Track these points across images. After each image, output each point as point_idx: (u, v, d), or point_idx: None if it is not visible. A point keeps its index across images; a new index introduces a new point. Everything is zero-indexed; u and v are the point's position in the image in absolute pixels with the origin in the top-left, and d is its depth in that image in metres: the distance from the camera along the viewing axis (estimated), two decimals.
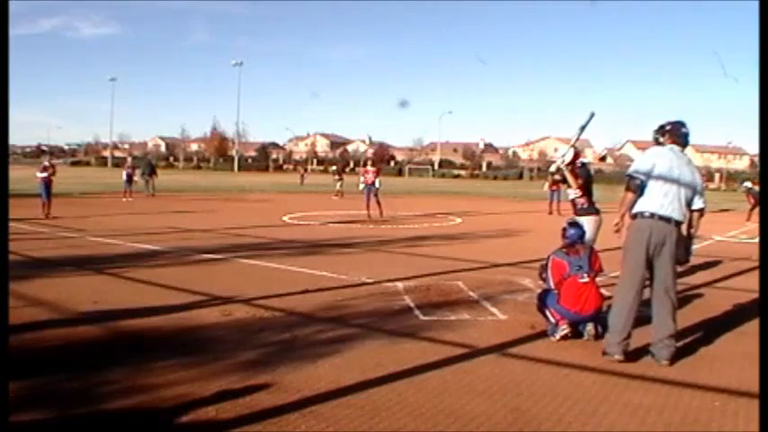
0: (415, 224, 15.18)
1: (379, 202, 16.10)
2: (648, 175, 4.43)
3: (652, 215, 4.38)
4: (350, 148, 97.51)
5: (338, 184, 25.72)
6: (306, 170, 52.15)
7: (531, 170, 68.88)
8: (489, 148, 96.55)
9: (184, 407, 3.38)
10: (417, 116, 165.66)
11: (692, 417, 3.50)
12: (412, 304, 6.05)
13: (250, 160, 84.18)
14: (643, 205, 4.43)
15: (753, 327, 5.29)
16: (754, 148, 77.11)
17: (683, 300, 6.66)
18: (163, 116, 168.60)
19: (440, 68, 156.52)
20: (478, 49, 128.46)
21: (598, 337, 4.84)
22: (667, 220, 4.37)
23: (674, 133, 4.62)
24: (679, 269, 4.75)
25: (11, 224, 9.52)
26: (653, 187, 4.42)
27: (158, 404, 3.45)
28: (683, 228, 4.54)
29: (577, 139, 5.99)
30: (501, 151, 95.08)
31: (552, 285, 5.08)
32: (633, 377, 4.14)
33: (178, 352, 4.40)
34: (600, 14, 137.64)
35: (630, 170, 4.56)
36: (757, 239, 12.22)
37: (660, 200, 4.39)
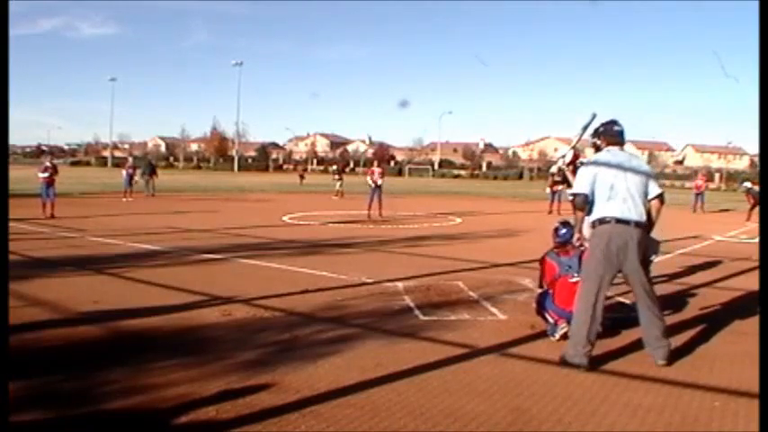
0: (415, 224, 15.18)
1: (381, 203, 16.28)
2: (593, 187, 4.42)
3: (609, 220, 4.34)
4: (350, 148, 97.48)
5: (338, 184, 25.63)
6: (305, 170, 51.93)
7: (531, 170, 68.86)
8: (489, 148, 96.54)
9: (184, 407, 3.38)
10: (417, 116, 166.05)
11: (692, 417, 3.50)
12: (412, 304, 6.05)
13: (250, 160, 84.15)
14: (599, 212, 4.40)
15: (753, 327, 5.29)
16: (754, 148, 77.16)
17: (684, 300, 6.67)
18: (163, 116, 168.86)
19: (440, 68, 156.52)
20: (478, 49, 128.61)
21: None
22: (626, 222, 4.31)
23: (608, 134, 4.63)
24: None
25: (11, 224, 9.52)
26: (603, 194, 4.39)
27: (158, 404, 3.45)
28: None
29: (579, 139, 6.02)
30: (501, 151, 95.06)
31: (545, 285, 5.16)
32: (633, 377, 4.14)
33: (178, 352, 4.40)
34: (600, 14, 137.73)
35: (573, 189, 4.59)
36: (757, 239, 12.22)
37: (614, 204, 4.36)
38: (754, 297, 6.37)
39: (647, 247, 4.48)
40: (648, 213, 4.46)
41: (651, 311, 4.41)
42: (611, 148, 4.58)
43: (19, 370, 3.71)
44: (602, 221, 4.37)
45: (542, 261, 5.25)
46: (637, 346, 4.80)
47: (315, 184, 36.65)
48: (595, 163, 4.52)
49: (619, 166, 4.43)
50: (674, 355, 4.43)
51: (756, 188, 19.33)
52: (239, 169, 71.21)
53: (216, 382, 3.77)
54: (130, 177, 21.53)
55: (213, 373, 3.94)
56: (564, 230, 5.22)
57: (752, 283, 7.45)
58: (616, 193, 4.36)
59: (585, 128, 5.37)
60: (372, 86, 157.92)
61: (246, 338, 4.80)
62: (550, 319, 5.00)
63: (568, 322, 4.83)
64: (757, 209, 18.95)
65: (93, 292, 6.28)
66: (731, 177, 61.66)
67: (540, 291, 5.35)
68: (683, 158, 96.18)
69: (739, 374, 4.19)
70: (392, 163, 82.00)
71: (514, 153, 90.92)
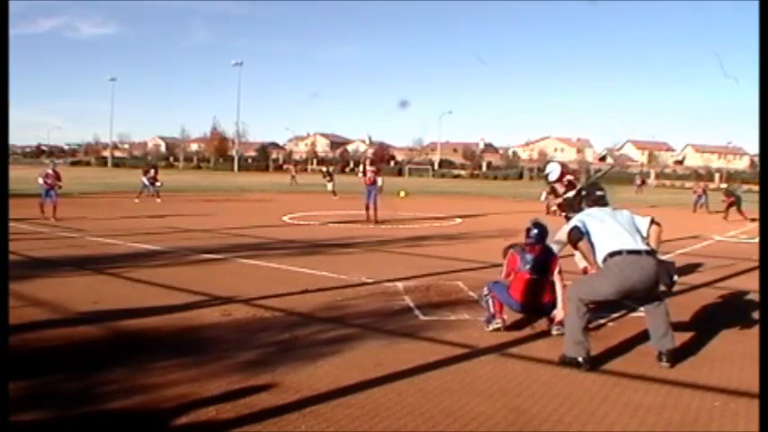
0: (415, 224, 15.18)
1: (376, 205, 15.33)
2: (587, 229, 4.50)
3: (620, 252, 4.34)
4: (350, 148, 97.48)
5: (330, 184, 25.31)
6: (296, 169, 48.06)
7: (530, 170, 68.88)
8: (489, 148, 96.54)
9: (184, 407, 3.38)
10: (417, 116, 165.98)
11: (691, 417, 3.50)
12: (412, 304, 6.05)
13: (250, 160, 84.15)
14: (606, 248, 4.40)
15: (753, 327, 5.30)
16: (754, 148, 77.17)
17: (684, 300, 6.66)
18: (163, 116, 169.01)
19: (440, 68, 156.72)
20: (478, 49, 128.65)
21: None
22: (637, 252, 4.35)
23: (591, 198, 4.90)
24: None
25: (11, 224, 9.52)
26: (602, 236, 4.45)
27: (158, 404, 3.45)
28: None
29: (588, 177, 6.32)
30: (501, 151, 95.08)
31: (503, 275, 5.39)
32: (633, 377, 4.14)
33: (178, 352, 4.40)
34: (600, 14, 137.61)
35: (567, 230, 4.72)
36: (757, 239, 12.22)
37: (618, 238, 4.40)
38: (755, 297, 6.37)
39: (665, 272, 4.49)
40: (649, 241, 4.55)
41: (660, 318, 4.44)
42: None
43: (19, 370, 3.71)
44: (612, 254, 4.35)
45: (507, 253, 5.45)
46: (637, 346, 4.81)
47: (313, 183, 36.63)
48: (585, 214, 4.71)
49: (605, 214, 4.65)
50: (676, 355, 4.42)
51: (734, 186, 19.90)
52: (239, 169, 71.22)
53: (216, 382, 3.77)
54: (152, 182, 21.08)
55: (213, 373, 3.94)
56: (535, 231, 5.34)
57: (752, 283, 7.44)
58: (615, 231, 4.45)
59: (602, 174, 5.48)
60: (372, 86, 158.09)
61: (246, 338, 4.80)
62: (491, 309, 5.19)
63: (522, 311, 5.23)
64: (733, 208, 19.56)
65: (93, 292, 6.28)
66: (731, 177, 61.70)
67: (494, 281, 5.49)
68: (683, 158, 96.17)
69: (739, 374, 4.19)
70: (392, 163, 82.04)
71: (514, 153, 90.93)
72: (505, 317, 5.15)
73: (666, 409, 3.58)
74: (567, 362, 4.29)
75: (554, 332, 5.00)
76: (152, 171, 21.89)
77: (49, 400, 3.50)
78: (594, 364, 4.29)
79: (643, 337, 5.10)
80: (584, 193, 5.06)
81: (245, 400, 3.51)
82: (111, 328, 5.08)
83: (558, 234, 5.07)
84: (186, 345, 4.63)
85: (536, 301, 5.17)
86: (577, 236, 4.48)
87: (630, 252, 4.31)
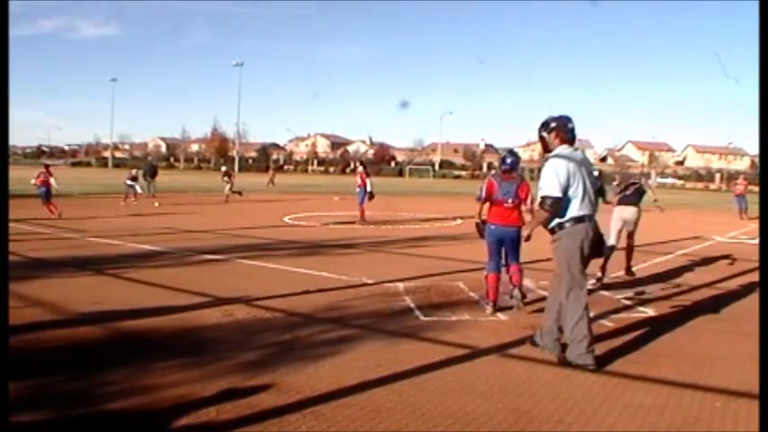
0: (416, 225, 15.17)
1: (361, 206, 14.94)
2: (567, 187, 4.36)
3: (583, 218, 4.36)
4: (350, 148, 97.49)
5: (227, 187, 22.48)
6: (275, 170, 44.97)
7: (531, 171, 68.85)
8: (490, 148, 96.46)
9: (185, 407, 3.38)
10: (418, 116, 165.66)
11: (692, 417, 3.49)
12: (412, 305, 6.05)
13: (251, 161, 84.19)
14: (572, 211, 4.37)
15: (753, 327, 5.28)
16: (754, 148, 77.17)
17: (684, 300, 6.66)
18: (163, 116, 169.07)
19: (440, 68, 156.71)
20: (479, 48, 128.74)
21: (526, 302, 5.91)
22: (590, 218, 4.41)
23: (562, 130, 4.52)
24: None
25: (11, 224, 9.52)
26: (577, 193, 4.36)
27: (159, 405, 3.45)
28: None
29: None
30: (501, 152, 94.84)
31: (482, 196, 5.94)
32: (634, 378, 4.14)
33: (179, 352, 4.40)
34: (600, 14, 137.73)
35: (549, 192, 4.37)
36: (757, 240, 12.21)
37: (580, 203, 4.37)
38: (755, 297, 6.37)
39: (601, 240, 4.56)
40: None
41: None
42: (563, 147, 4.50)
43: (19, 370, 3.71)
44: (578, 220, 4.36)
45: (486, 180, 6.01)
46: (637, 346, 4.81)
47: (317, 184, 36.60)
48: (568, 159, 4.41)
49: (577, 167, 4.40)
50: (665, 355, 4.42)
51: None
52: (240, 170, 71.15)
53: (216, 383, 3.76)
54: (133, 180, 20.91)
55: (214, 374, 3.94)
56: (510, 159, 5.92)
57: (752, 283, 7.45)
58: (584, 192, 4.38)
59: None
60: (373, 87, 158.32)
61: (247, 339, 4.80)
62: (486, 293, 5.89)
63: (496, 242, 5.90)
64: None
65: (94, 292, 6.28)
66: (732, 178, 61.68)
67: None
68: (684, 159, 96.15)
69: (740, 375, 4.18)
70: (393, 163, 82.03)
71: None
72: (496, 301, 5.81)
73: (667, 410, 3.58)
74: (565, 363, 4.28)
75: (488, 308, 5.76)
76: (134, 171, 21.69)
77: (49, 401, 3.50)
78: (597, 364, 4.27)
79: (643, 337, 5.11)
80: (553, 124, 4.60)
81: (246, 400, 3.51)
82: (112, 328, 5.08)
83: (546, 187, 4.49)
84: (187, 345, 4.63)
85: (515, 223, 5.76)
86: (552, 208, 4.38)
87: (588, 218, 4.45)
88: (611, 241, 7.45)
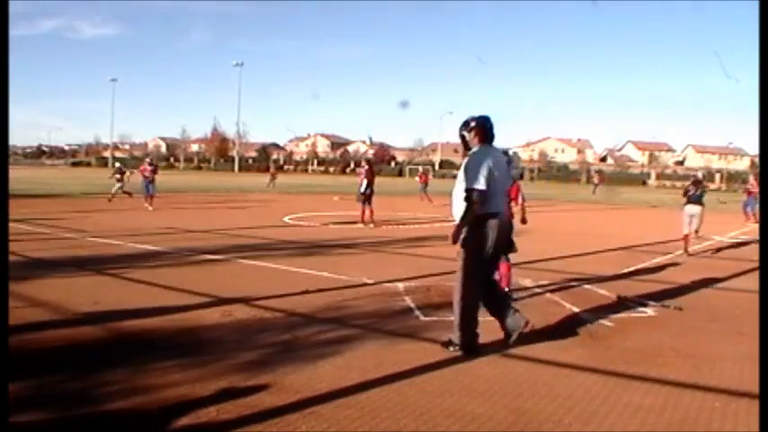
0: (416, 224, 15.17)
1: (362, 207, 14.68)
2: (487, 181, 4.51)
3: (495, 214, 4.55)
4: (350, 148, 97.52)
5: (117, 185, 20.71)
6: (276, 170, 41.64)
7: (531, 171, 68.92)
8: None
9: (185, 407, 3.38)
10: (418, 116, 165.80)
11: (692, 417, 3.50)
12: (412, 305, 6.05)
13: (250, 161, 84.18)
14: (489, 206, 4.52)
15: (753, 327, 5.28)
16: (754, 148, 77.18)
17: (684, 300, 6.66)
18: (163, 116, 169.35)
19: (440, 68, 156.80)
20: (479, 48, 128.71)
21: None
22: (500, 214, 4.62)
23: (481, 130, 4.70)
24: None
25: (11, 224, 9.52)
26: (493, 189, 4.53)
27: (159, 405, 3.45)
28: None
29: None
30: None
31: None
32: (634, 377, 4.14)
33: (179, 352, 4.40)
34: (600, 14, 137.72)
35: (475, 184, 4.46)
36: (758, 239, 12.20)
37: (494, 198, 4.55)
38: (754, 297, 6.36)
39: (511, 240, 5.00)
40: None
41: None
42: (483, 145, 4.68)
43: (19, 370, 3.71)
44: (492, 215, 4.53)
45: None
46: (637, 346, 4.81)
47: (320, 184, 36.58)
48: (486, 155, 4.60)
49: (496, 165, 4.60)
50: (665, 355, 4.42)
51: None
52: (240, 170, 71.24)
53: (216, 383, 3.76)
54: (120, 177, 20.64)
55: (214, 374, 3.93)
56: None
57: (752, 283, 7.45)
58: (498, 188, 4.60)
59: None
60: (373, 87, 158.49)
61: (247, 339, 4.80)
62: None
63: None
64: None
65: (94, 292, 6.27)
66: (732, 178, 61.70)
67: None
68: (684, 159, 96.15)
69: (740, 375, 4.19)
70: (393, 163, 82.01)
71: (514, 153, 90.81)
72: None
73: (667, 410, 3.58)
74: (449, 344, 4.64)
75: None
76: (117, 164, 21.36)
77: (49, 401, 3.50)
78: (595, 364, 4.27)
79: (643, 337, 5.11)
80: (472, 124, 4.74)
81: (246, 400, 3.51)
82: (112, 328, 5.08)
83: (475, 179, 4.62)
84: (187, 345, 4.63)
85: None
86: (481, 199, 4.54)
87: (497, 214, 4.64)
88: (684, 230, 10.60)
